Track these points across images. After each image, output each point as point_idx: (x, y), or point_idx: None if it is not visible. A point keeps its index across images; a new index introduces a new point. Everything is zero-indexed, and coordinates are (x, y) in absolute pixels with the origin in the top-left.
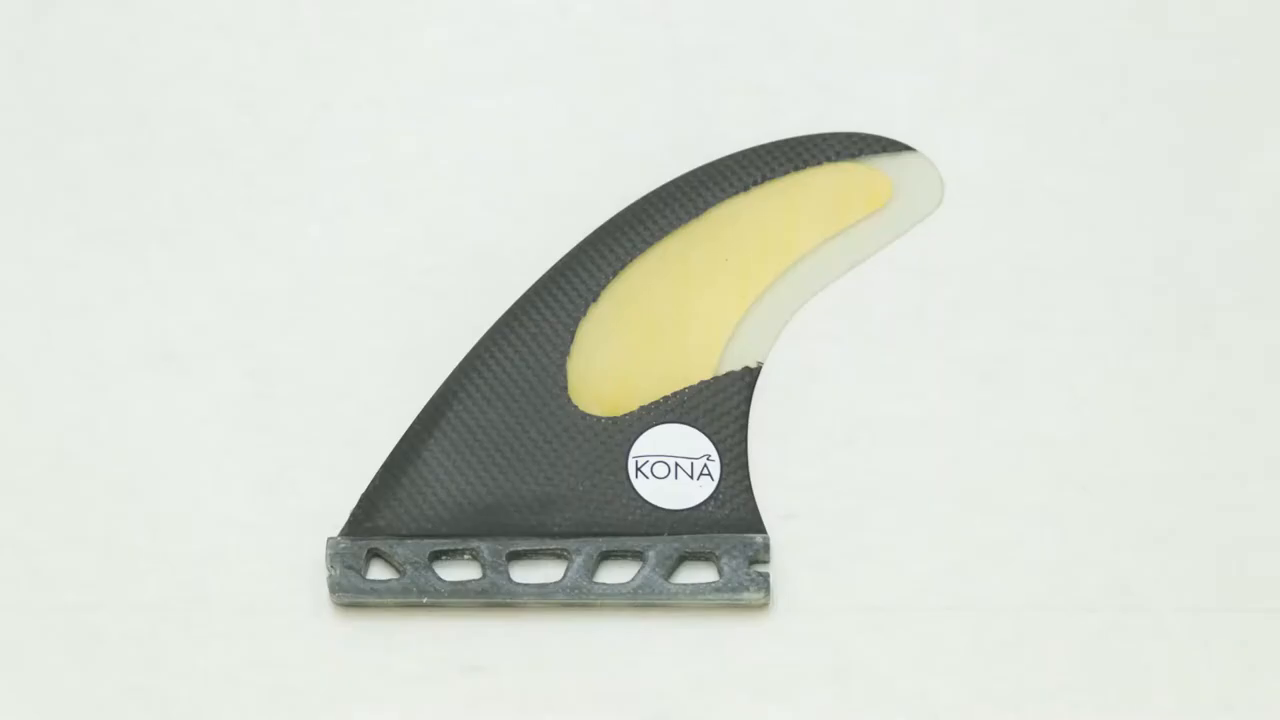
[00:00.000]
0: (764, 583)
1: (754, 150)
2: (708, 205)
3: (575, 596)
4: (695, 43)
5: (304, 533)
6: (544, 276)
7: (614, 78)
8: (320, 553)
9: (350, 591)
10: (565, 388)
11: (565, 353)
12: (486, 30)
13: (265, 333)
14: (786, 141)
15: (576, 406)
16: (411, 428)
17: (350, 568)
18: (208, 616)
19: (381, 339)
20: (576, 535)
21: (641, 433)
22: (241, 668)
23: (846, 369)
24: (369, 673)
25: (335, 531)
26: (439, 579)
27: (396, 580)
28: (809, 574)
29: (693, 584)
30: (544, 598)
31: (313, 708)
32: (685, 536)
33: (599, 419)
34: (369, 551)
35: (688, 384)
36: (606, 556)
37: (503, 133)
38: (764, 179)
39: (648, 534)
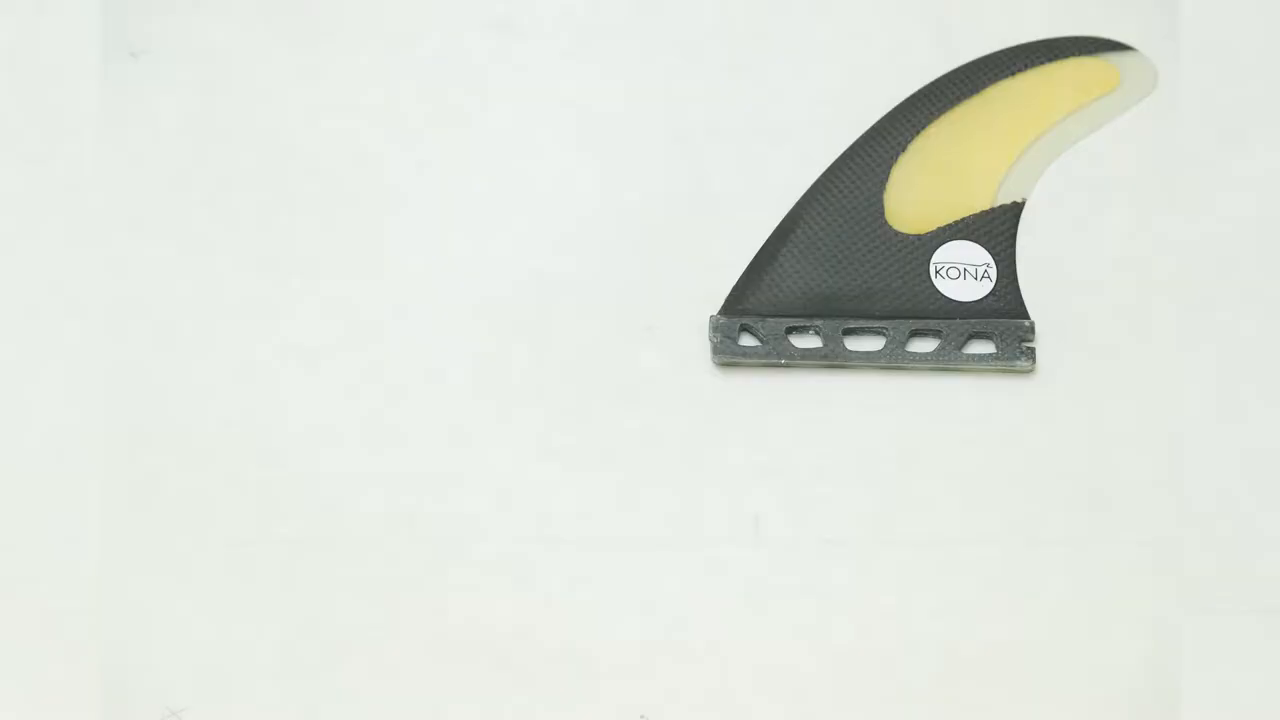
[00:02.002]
0: (1032, 355)
1: (1018, 47)
2: (983, 85)
3: (892, 361)
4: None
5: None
6: (866, 133)
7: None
8: (706, 327)
9: (727, 354)
10: (883, 213)
11: (883, 187)
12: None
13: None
14: (1042, 41)
15: (891, 227)
16: (770, 238)
17: (728, 337)
18: None
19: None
20: (892, 317)
21: (939, 246)
22: (629, 418)
23: (1098, 208)
24: (741, 416)
25: (716, 311)
26: (792, 346)
27: (760, 347)
28: (1071, 354)
29: (977, 354)
30: (868, 362)
31: (698, 445)
32: (973, 320)
33: (908, 236)
34: (740, 326)
35: (973, 211)
36: (915, 334)
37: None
38: (1025, 67)
39: (945, 318)
